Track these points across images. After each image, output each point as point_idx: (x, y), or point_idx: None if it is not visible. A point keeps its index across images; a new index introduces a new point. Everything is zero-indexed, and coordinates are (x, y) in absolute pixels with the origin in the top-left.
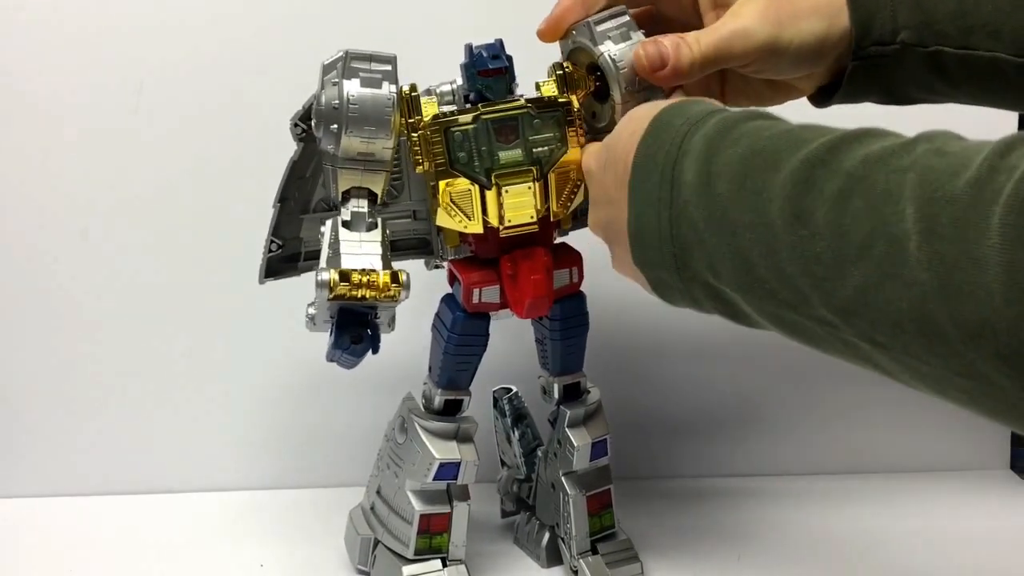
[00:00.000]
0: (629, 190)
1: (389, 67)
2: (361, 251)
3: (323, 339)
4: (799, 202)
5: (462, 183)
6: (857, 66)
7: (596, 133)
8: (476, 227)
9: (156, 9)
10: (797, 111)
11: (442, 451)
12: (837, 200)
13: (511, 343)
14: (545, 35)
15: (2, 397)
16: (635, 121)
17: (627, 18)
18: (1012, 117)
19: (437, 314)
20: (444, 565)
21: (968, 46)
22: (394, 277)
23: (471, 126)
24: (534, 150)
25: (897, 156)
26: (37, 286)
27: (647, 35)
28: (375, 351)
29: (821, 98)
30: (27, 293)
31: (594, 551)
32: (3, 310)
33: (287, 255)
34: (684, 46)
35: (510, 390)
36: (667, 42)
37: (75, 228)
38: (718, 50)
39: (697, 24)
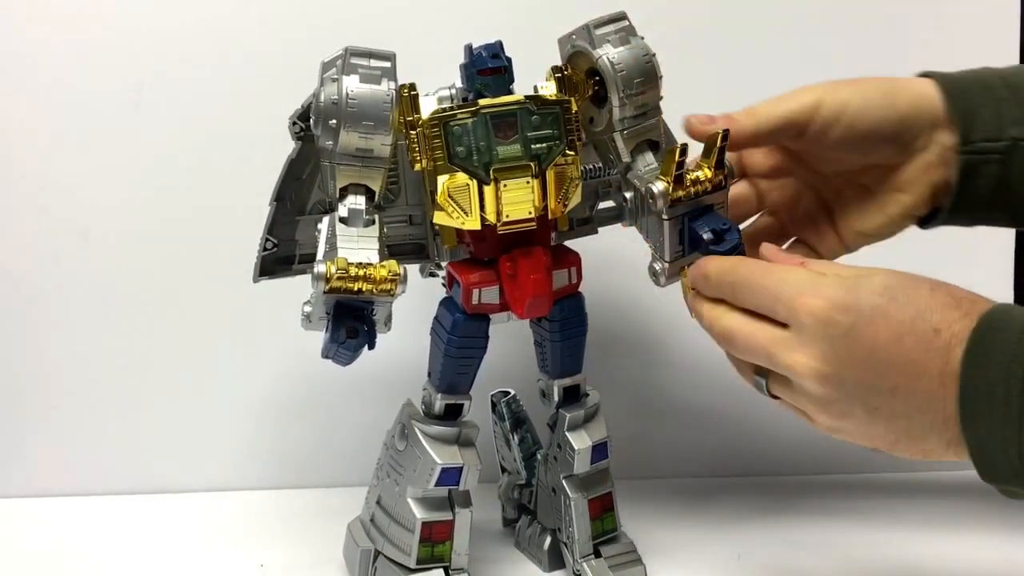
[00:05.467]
0: (960, 419)
1: (388, 64)
2: (358, 246)
3: (322, 339)
4: None
5: (460, 178)
6: (967, 160)
7: (592, 137)
8: (473, 223)
9: (156, 9)
10: None
11: (444, 456)
12: None
13: (509, 347)
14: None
15: (2, 397)
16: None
17: (626, 23)
18: None
19: (436, 317)
20: (447, 574)
21: None
22: (391, 271)
23: (470, 120)
24: (532, 146)
25: None
26: (37, 286)
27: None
28: (371, 346)
29: (927, 220)
30: (27, 293)
31: (597, 554)
32: (3, 310)
33: (281, 257)
34: (735, 117)
35: (508, 393)
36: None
37: (75, 228)
38: (770, 112)
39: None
